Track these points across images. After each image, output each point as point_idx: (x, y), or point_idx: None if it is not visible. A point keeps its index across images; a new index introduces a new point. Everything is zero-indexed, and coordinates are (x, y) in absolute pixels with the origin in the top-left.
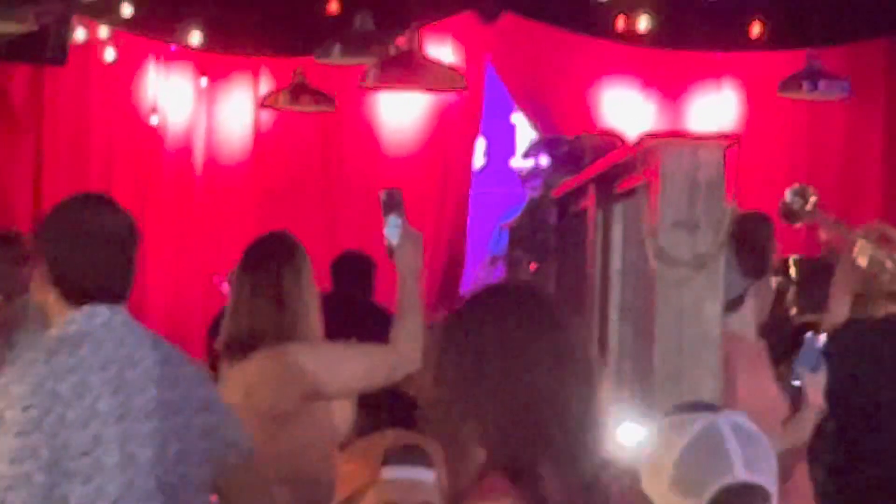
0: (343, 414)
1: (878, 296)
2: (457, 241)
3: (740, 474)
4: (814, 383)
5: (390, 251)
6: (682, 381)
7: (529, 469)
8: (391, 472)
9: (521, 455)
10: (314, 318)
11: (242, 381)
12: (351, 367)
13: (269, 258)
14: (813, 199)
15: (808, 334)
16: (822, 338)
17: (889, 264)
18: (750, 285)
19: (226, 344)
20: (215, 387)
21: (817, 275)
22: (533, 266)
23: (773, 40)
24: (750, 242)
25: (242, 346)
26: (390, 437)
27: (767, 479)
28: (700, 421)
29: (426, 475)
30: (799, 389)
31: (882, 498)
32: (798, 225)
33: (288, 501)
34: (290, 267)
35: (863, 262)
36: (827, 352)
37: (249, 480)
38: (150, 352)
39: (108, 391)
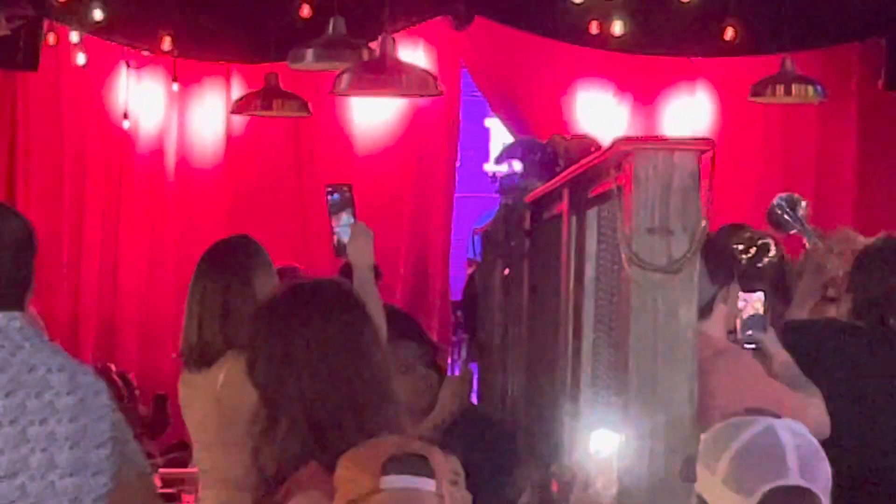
0: None
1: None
2: (443, 244)
3: (795, 478)
4: (769, 340)
5: (340, 249)
6: (657, 386)
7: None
8: (391, 482)
9: (328, 442)
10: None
11: (213, 389)
12: None
13: (217, 266)
14: (801, 211)
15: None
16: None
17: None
18: (719, 291)
19: (181, 351)
20: (111, 398)
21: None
22: (506, 271)
23: (746, 45)
24: (717, 249)
25: (195, 354)
26: (391, 443)
27: (822, 489)
28: (760, 422)
29: (427, 485)
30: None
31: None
32: (785, 234)
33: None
34: (240, 274)
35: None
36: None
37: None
38: (48, 358)
39: (1, 394)
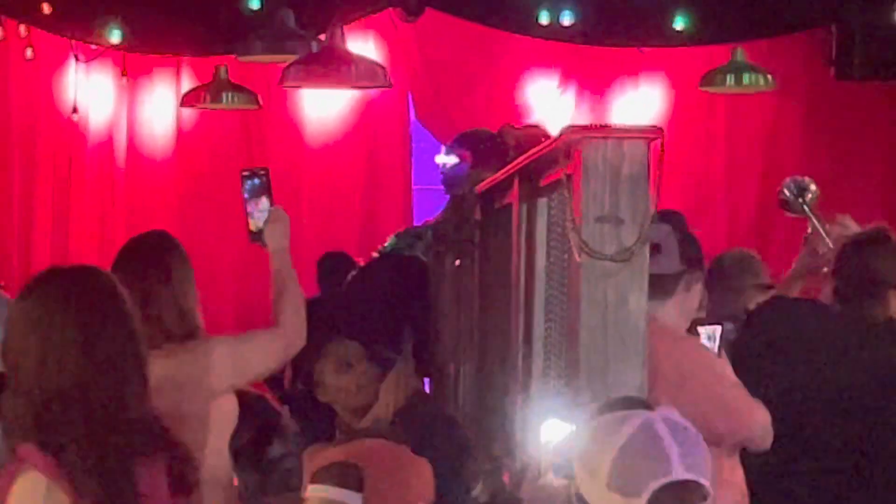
0: (230, 406)
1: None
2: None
3: (679, 472)
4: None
5: (256, 234)
6: (608, 375)
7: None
8: (316, 491)
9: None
10: (189, 319)
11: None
12: (250, 358)
13: (135, 259)
14: (809, 195)
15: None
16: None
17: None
18: (683, 273)
19: None
20: None
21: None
22: (457, 262)
23: (696, 35)
24: (690, 233)
25: None
26: (333, 452)
27: (703, 475)
28: (634, 419)
29: (349, 497)
30: None
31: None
32: (790, 215)
33: None
34: (158, 267)
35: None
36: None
37: None
38: None
39: None
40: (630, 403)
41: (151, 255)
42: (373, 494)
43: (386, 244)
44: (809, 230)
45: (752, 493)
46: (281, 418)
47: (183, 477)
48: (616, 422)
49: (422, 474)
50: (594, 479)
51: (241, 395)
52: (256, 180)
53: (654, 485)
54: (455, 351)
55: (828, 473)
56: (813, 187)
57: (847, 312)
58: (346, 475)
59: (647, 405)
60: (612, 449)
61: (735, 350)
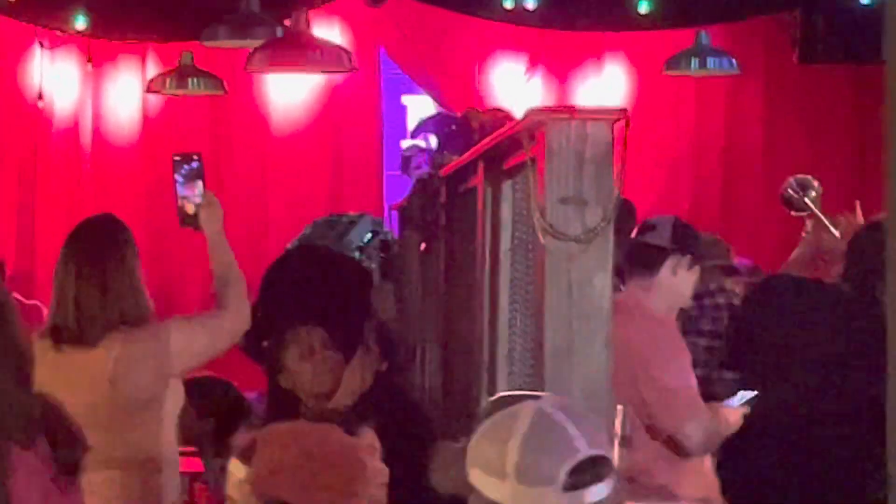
0: (180, 388)
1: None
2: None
3: (585, 450)
4: None
5: (189, 218)
6: (573, 356)
7: None
8: (230, 465)
9: None
10: (142, 301)
11: (104, 369)
12: (201, 340)
13: (92, 243)
14: (813, 193)
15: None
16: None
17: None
18: (669, 253)
19: (52, 329)
20: None
21: None
22: (423, 245)
23: (660, 19)
24: (695, 231)
25: (72, 334)
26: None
27: (607, 448)
28: (525, 412)
29: (237, 469)
30: None
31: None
32: (794, 213)
33: (132, 487)
34: (114, 251)
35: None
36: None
37: None
38: None
39: None
40: (513, 399)
41: (106, 240)
42: (269, 469)
43: (300, 235)
44: (809, 228)
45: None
46: (246, 404)
47: (67, 460)
48: (508, 419)
49: (348, 454)
50: (503, 480)
51: (208, 382)
52: (190, 165)
53: (566, 467)
54: (421, 333)
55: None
56: (816, 184)
57: (856, 293)
58: (245, 450)
59: (534, 396)
60: (513, 445)
61: (739, 322)
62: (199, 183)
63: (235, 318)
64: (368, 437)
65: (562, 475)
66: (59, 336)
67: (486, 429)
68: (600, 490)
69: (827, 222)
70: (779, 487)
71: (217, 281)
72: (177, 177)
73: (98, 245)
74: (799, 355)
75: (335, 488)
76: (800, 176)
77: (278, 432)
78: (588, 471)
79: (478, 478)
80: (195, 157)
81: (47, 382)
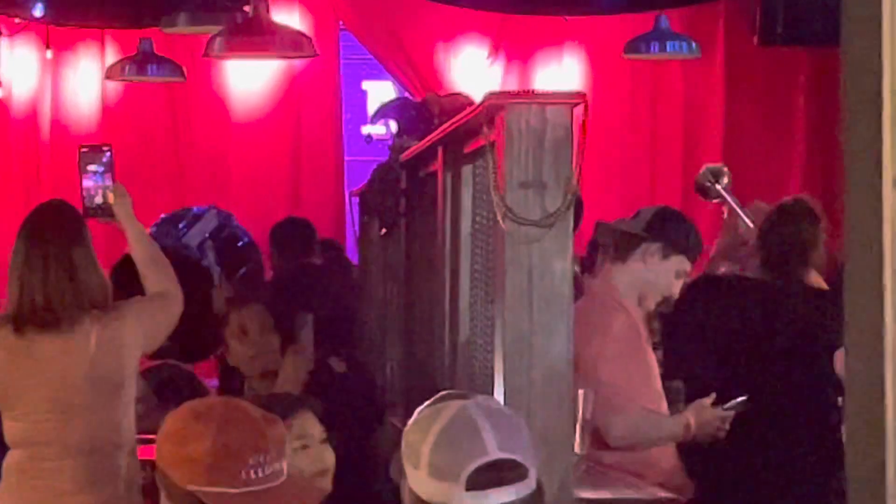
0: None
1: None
2: (336, 208)
3: (494, 452)
4: None
5: (95, 209)
6: (533, 340)
7: None
8: None
9: None
10: (105, 283)
11: (84, 351)
12: (161, 321)
13: (56, 228)
14: (725, 180)
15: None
16: None
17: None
18: (641, 240)
19: (16, 315)
20: None
21: None
22: (383, 231)
23: (620, 3)
24: (684, 220)
25: (39, 318)
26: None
27: (523, 453)
28: (451, 407)
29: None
30: None
31: None
32: (710, 201)
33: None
34: (78, 235)
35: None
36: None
37: None
38: None
39: None
40: (450, 397)
41: (69, 225)
42: (176, 437)
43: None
44: (726, 214)
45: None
46: (206, 391)
47: None
48: (433, 412)
49: (254, 428)
50: (416, 469)
51: (169, 370)
52: (99, 156)
53: (471, 466)
54: (383, 319)
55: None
56: (726, 170)
57: (777, 279)
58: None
59: (466, 396)
60: (430, 438)
61: (669, 328)
62: (108, 174)
63: (178, 299)
64: (301, 420)
65: (466, 473)
66: (23, 322)
67: (414, 419)
68: (506, 494)
69: (739, 209)
70: (739, 473)
71: (146, 269)
72: (85, 168)
73: (62, 230)
74: (736, 352)
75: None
76: (712, 165)
77: (186, 407)
78: (495, 473)
79: (403, 465)
80: (105, 149)
81: (9, 370)
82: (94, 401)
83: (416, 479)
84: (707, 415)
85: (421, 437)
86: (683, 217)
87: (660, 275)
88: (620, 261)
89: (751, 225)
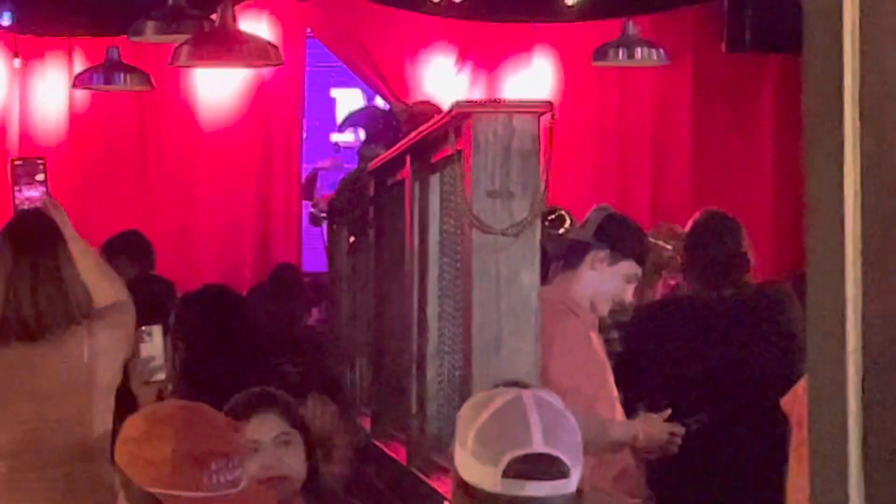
0: None
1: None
2: (293, 217)
3: (539, 446)
4: None
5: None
6: (501, 349)
7: None
8: None
9: None
10: (87, 291)
11: (79, 360)
12: (129, 327)
13: (40, 237)
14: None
15: None
16: None
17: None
18: (591, 247)
19: (1, 326)
20: None
21: None
22: (351, 239)
23: (587, 9)
24: (631, 224)
25: (28, 329)
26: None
27: (568, 453)
28: (507, 393)
29: None
30: None
31: None
32: None
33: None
34: (61, 244)
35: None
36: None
37: None
38: None
39: None
40: (510, 384)
41: (51, 234)
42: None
43: None
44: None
45: None
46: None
47: None
48: (489, 396)
49: (217, 434)
50: (462, 448)
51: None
52: (33, 169)
53: (511, 455)
54: (352, 327)
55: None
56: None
57: (708, 294)
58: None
59: (526, 386)
60: (479, 419)
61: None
62: (41, 188)
63: (132, 307)
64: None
65: (506, 460)
66: (9, 333)
67: (470, 400)
68: (541, 487)
69: (653, 240)
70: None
71: (99, 280)
72: (18, 181)
73: (45, 239)
74: (689, 371)
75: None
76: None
77: (149, 409)
78: (535, 465)
79: (456, 443)
80: (39, 162)
81: (10, 379)
82: (81, 410)
83: (461, 458)
84: (657, 427)
85: (472, 417)
86: (630, 222)
87: (609, 280)
88: (571, 268)
89: (669, 248)
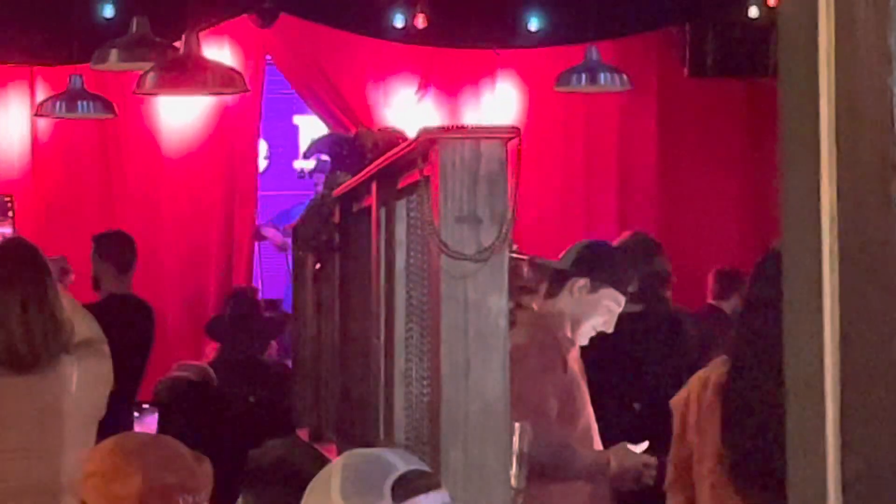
0: None
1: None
2: (248, 243)
3: (402, 466)
4: None
5: None
6: (469, 374)
7: None
8: None
9: None
10: (71, 321)
11: (66, 392)
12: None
13: (28, 267)
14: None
15: None
16: None
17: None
18: (568, 275)
19: None
20: None
21: None
22: (317, 265)
23: (550, 35)
24: (613, 254)
25: (18, 360)
26: None
27: (423, 466)
28: (335, 461)
29: None
30: None
31: None
32: None
33: None
34: (48, 274)
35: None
36: None
37: None
38: None
39: None
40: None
41: (39, 263)
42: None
43: None
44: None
45: None
46: None
47: None
48: (323, 473)
49: (184, 468)
50: (329, 501)
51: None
52: (1, 207)
53: (389, 480)
54: (318, 354)
55: None
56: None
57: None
58: None
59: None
60: (335, 484)
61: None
62: (10, 224)
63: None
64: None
65: (387, 487)
66: (9, 362)
67: (308, 491)
68: (434, 499)
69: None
70: None
71: (71, 312)
72: None
73: (33, 267)
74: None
75: None
76: None
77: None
78: (414, 482)
79: None
80: (6, 199)
81: None
82: (72, 439)
83: None
84: (630, 459)
85: (324, 488)
86: (612, 250)
87: (585, 308)
88: (551, 297)
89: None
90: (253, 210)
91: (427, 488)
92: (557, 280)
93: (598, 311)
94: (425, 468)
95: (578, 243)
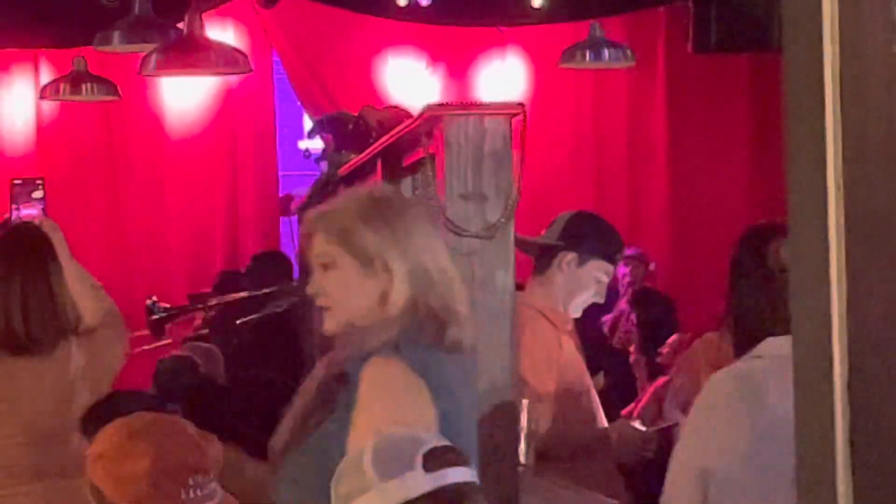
0: None
1: None
2: (272, 223)
3: (433, 441)
4: None
5: None
6: (476, 352)
7: None
8: None
9: None
10: (74, 305)
11: (67, 375)
12: (124, 339)
13: (31, 252)
14: None
15: None
16: None
17: None
18: (557, 250)
19: None
20: None
21: None
22: None
23: (554, 12)
24: (600, 225)
25: (18, 343)
26: None
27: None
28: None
29: None
30: None
31: None
32: None
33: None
34: (52, 258)
35: None
36: None
37: None
38: None
39: None
40: None
41: (43, 249)
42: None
43: None
44: None
45: None
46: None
47: None
48: (351, 457)
49: (193, 448)
50: (369, 491)
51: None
52: (31, 189)
53: (420, 452)
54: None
55: None
56: None
57: None
58: None
59: None
60: (367, 461)
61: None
62: (39, 208)
63: (122, 320)
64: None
65: (419, 458)
66: (7, 344)
67: (337, 476)
68: (462, 473)
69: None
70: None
71: (90, 301)
72: (16, 200)
73: (37, 253)
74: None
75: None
76: None
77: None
78: (443, 456)
79: (340, 493)
80: (38, 182)
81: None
82: (65, 425)
83: (371, 499)
84: (630, 433)
85: (356, 466)
86: (598, 220)
87: (575, 282)
88: (540, 273)
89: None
90: (275, 189)
91: (456, 462)
92: (545, 255)
93: (588, 284)
94: (455, 445)
95: (562, 216)
